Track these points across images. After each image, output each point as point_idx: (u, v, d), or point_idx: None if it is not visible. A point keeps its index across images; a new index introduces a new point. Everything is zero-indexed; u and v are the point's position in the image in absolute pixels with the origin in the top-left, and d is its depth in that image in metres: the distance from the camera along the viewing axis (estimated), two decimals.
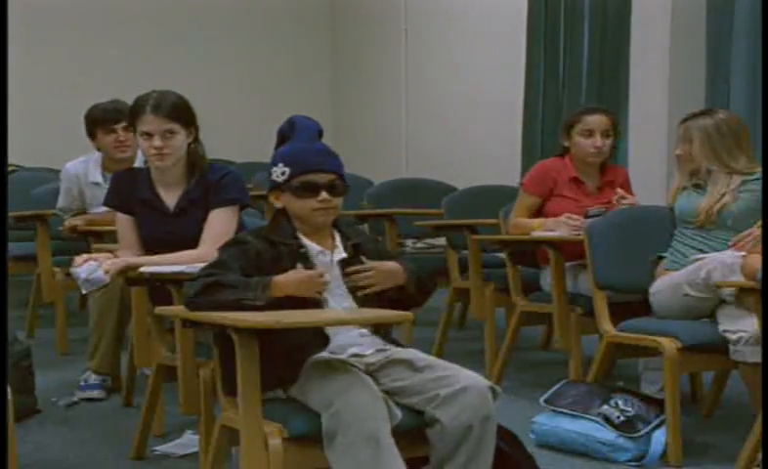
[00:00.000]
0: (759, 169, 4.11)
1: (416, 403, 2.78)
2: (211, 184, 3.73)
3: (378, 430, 2.60)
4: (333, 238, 3.02)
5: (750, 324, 3.64)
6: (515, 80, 7.42)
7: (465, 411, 2.72)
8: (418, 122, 8.92)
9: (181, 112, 3.71)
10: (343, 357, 2.86)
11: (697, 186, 4.17)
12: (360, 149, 9.50)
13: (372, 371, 2.85)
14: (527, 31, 7.34)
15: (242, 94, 9.39)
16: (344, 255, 2.98)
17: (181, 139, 3.71)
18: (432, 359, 2.91)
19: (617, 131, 4.74)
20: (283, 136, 3.07)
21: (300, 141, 3.03)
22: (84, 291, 3.77)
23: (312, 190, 2.94)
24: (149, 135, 3.68)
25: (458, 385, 2.75)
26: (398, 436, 2.70)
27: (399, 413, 2.71)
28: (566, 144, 4.73)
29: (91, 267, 3.61)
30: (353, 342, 2.91)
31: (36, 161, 7.58)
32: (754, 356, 3.65)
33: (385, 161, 8.85)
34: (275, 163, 3.02)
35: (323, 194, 2.95)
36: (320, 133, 3.12)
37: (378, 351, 2.92)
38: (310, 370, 2.78)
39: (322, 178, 2.97)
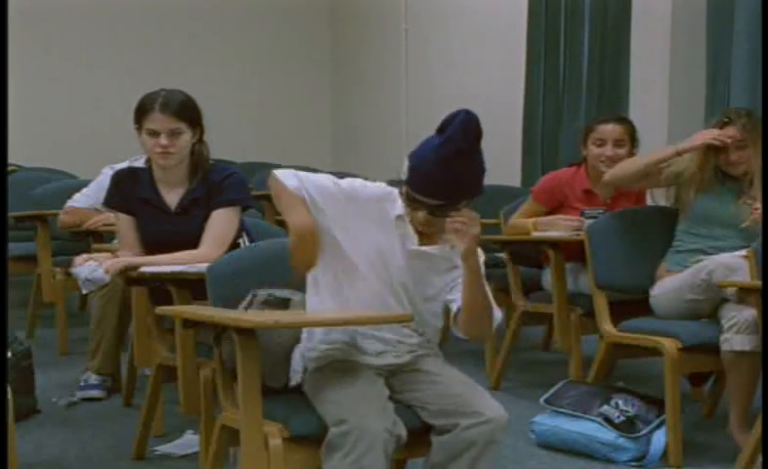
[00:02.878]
0: None
1: (425, 412, 2.76)
2: (214, 184, 3.72)
3: (375, 465, 2.58)
4: None
5: (750, 314, 3.64)
6: (515, 80, 7.42)
7: (471, 429, 2.70)
8: (419, 122, 8.91)
9: (188, 112, 3.71)
10: (375, 363, 2.83)
11: (726, 186, 4.12)
12: (360, 149, 9.52)
13: (389, 377, 2.83)
14: (527, 31, 7.33)
15: (242, 94, 9.40)
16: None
17: (186, 138, 3.70)
18: (452, 372, 2.88)
19: (634, 140, 4.65)
20: (443, 125, 2.81)
21: (438, 150, 2.77)
22: (85, 291, 3.77)
23: (415, 206, 2.83)
24: (155, 133, 3.67)
25: (472, 408, 2.73)
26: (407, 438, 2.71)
27: (405, 435, 2.69)
28: (584, 152, 4.70)
29: (91, 266, 3.61)
30: (392, 348, 2.87)
31: (36, 161, 7.58)
32: (742, 344, 3.65)
33: (385, 161, 8.83)
34: (416, 153, 2.83)
35: (423, 214, 2.82)
36: (478, 139, 2.79)
37: (408, 352, 2.89)
38: (330, 374, 2.76)
39: (431, 201, 2.80)
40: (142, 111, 3.71)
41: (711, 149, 4.07)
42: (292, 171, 2.85)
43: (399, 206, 2.87)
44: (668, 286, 4.01)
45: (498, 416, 2.72)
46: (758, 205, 3.96)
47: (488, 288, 2.83)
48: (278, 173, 2.83)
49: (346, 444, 2.58)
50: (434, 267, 2.89)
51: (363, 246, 2.82)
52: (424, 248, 2.87)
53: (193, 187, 3.74)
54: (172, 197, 3.75)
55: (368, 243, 2.83)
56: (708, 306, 3.85)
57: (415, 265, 2.86)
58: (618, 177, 4.33)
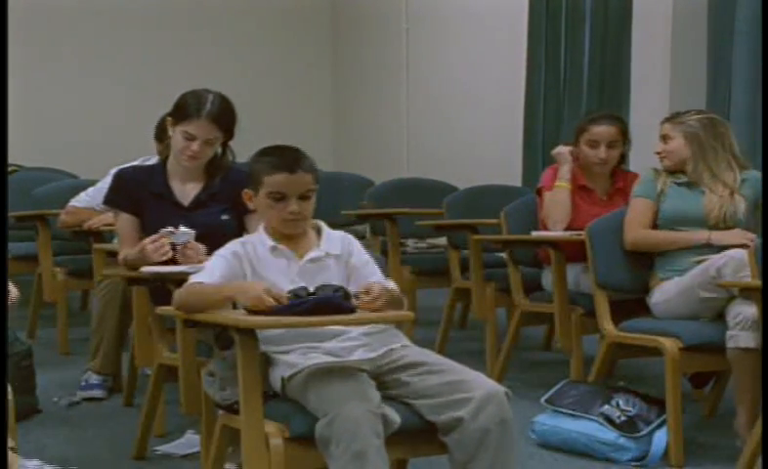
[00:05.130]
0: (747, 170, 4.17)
1: (424, 406, 2.77)
2: (237, 184, 3.64)
3: (367, 447, 2.59)
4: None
5: (756, 311, 3.62)
6: (516, 80, 7.42)
7: (480, 415, 2.72)
8: (419, 122, 8.92)
9: (228, 121, 3.70)
10: (350, 359, 2.84)
11: (687, 184, 4.16)
12: (361, 149, 9.52)
13: (380, 374, 2.84)
14: (528, 31, 7.34)
15: (243, 94, 9.33)
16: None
17: (216, 146, 3.71)
18: (443, 360, 2.90)
19: (626, 139, 4.67)
20: None
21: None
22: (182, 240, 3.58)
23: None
24: (192, 137, 3.64)
25: (471, 391, 2.75)
26: (403, 437, 2.72)
27: (398, 420, 2.70)
28: (575, 150, 4.70)
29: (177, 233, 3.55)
30: (360, 343, 2.90)
31: (36, 161, 7.58)
32: (748, 341, 3.64)
33: (386, 161, 8.85)
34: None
35: (266, 201, 3.01)
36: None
37: (390, 350, 2.91)
38: (312, 374, 2.77)
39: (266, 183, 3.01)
40: (185, 112, 3.65)
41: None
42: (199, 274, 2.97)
43: (266, 239, 2.97)
44: (674, 290, 3.99)
45: (494, 390, 2.76)
46: (724, 194, 4.07)
47: (392, 285, 2.93)
48: (192, 280, 2.95)
49: (332, 434, 2.60)
50: (322, 266, 2.95)
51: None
52: (304, 261, 2.95)
53: (213, 183, 3.72)
54: (186, 192, 3.73)
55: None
56: (719, 305, 3.83)
57: (310, 275, 2.91)
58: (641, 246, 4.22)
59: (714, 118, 4.27)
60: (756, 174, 4.22)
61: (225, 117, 3.69)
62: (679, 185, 4.17)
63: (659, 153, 4.22)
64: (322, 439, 2.63)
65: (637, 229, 4.17)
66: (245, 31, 9.57)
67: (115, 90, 8.91)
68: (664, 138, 4.21)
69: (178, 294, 2.94)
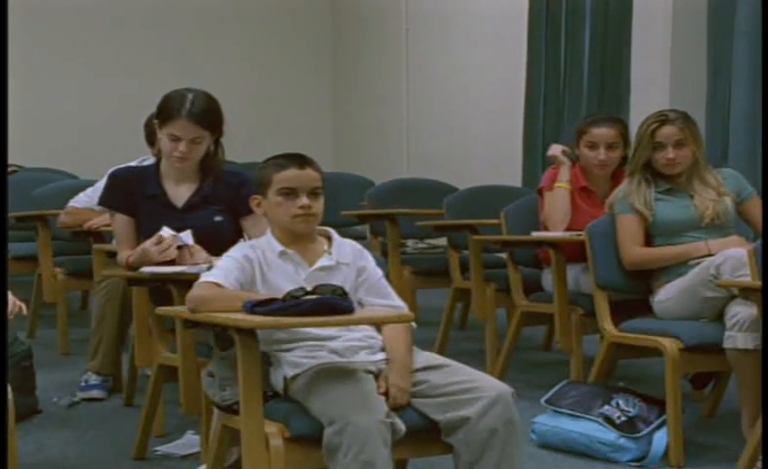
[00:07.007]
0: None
1: (429, 404, 2.77)
2: (231, 187, 3.67)
3: (376, 457, 2.59)
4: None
5: (754, 311, 3.61)
6: (516, 80, 7.42)
7: (488, 415, 2.72)
8: (419, 122, 8.92)
9: (212, 119, 3.65)
10: (354, 360, 2.84)
11: (669, 191, 4.15)
12: (361, 150, 9.52)
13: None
14: (528, 32, 7.34)
15: (243, 94, 9.39)
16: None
17: (205, 145, 3.67)
18: (447, 361, 2.91)
19: (626, 140, 4.64)
20: None
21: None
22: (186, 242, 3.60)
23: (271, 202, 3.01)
24: (177, 138, 3.61)
25: (480, 391, 2.75)
26: (406, 438, 2.72)
27: (403, 428, 2.70)
28: (576, 152, 4.70)
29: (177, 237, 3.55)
30: (363, 344, 2.90)
31: (36, 162, 7.58)
32: (746, 342, 3.64)
33: (386, 161, 8.85)
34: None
35: (276, 199, 2.99)
36: None
37: (382, 350, 2.90)
38: (316, 377, 2.76)
39: (277, 181, 3.01)
40: (167, 114, 3.63)
41: (646, 155, 4.13)
42: (212, 272, 2.95)
43: (274, 244, 2.96)
44: (677, 289, 3.99)
45: (502, 391, 2.78)
46: (714, 197, 4.07)
47: (399, 303, 3.01)
48: (203, 279, 2.93)
49: (342, 442, 2.59)
50: (332, 274, 2.94)
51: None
52: (313, 268, 2.94)
53: (205, 185, 3.71)
54: (180, 194, 3.72)
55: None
56: (721, 304, 3.82)
57: (319, 283, 2.88)
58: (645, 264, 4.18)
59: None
60: (731, 171, 4.29)
61: (207, 116, 3.64)
62: (662, 193, 4.15)
63: (671, 159, 4.10)
64: (331, 446, 2.61)
65: (634, 249, 4.13)
66: (245, 32, 9.57)
67: (116, 91, 8.91)
68: (679, 143, 4.09)
69: (195, 295, 2.87)
